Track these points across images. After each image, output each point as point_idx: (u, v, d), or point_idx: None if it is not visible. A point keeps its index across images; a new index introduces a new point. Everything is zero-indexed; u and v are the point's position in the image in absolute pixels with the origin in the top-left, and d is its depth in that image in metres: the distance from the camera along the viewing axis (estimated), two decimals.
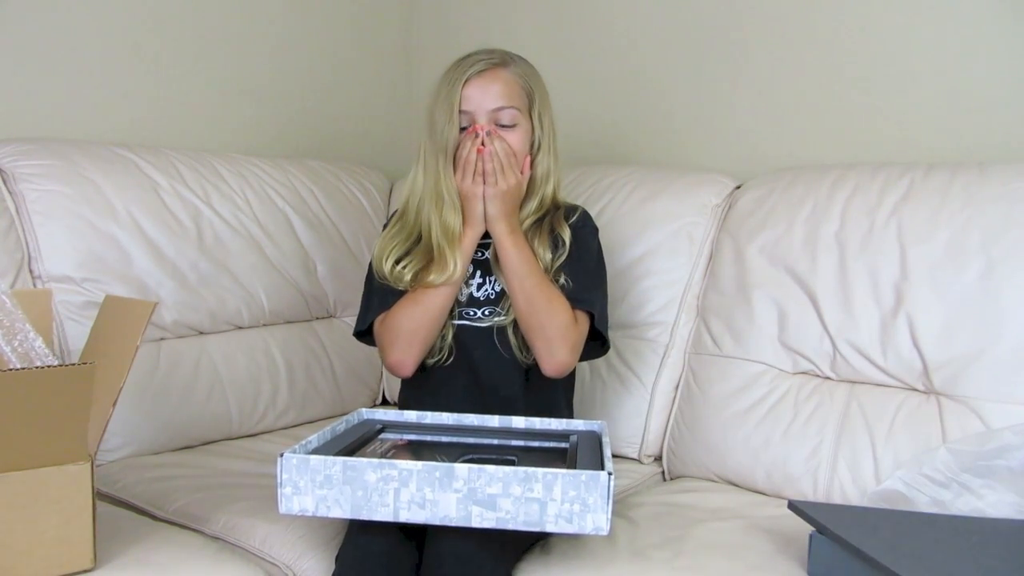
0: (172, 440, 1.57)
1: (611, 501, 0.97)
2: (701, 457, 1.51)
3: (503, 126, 1.35)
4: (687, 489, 1.46)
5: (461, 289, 1.38)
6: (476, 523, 0.98)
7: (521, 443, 1.23)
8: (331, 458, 1.01)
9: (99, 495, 1.08)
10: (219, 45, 1.94)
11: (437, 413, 1.31)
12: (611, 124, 2.02)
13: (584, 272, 1.39)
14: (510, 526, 0.98)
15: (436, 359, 1.38)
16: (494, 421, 1.30)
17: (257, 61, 2.01)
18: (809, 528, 1.09)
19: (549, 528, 0.98)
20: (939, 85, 1.60)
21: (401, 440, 1.22)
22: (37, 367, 1.03)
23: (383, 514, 1.00)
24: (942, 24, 1.59)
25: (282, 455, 1.02)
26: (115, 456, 1.49)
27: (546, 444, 1.23)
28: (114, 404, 1.04)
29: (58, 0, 1.68)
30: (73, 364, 0.97)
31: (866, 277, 1.41)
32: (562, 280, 1.35)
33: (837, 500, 1.34)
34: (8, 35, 1.63)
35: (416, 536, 1.13)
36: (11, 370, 0.94)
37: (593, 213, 1.68)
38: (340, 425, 1.26)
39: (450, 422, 1.30)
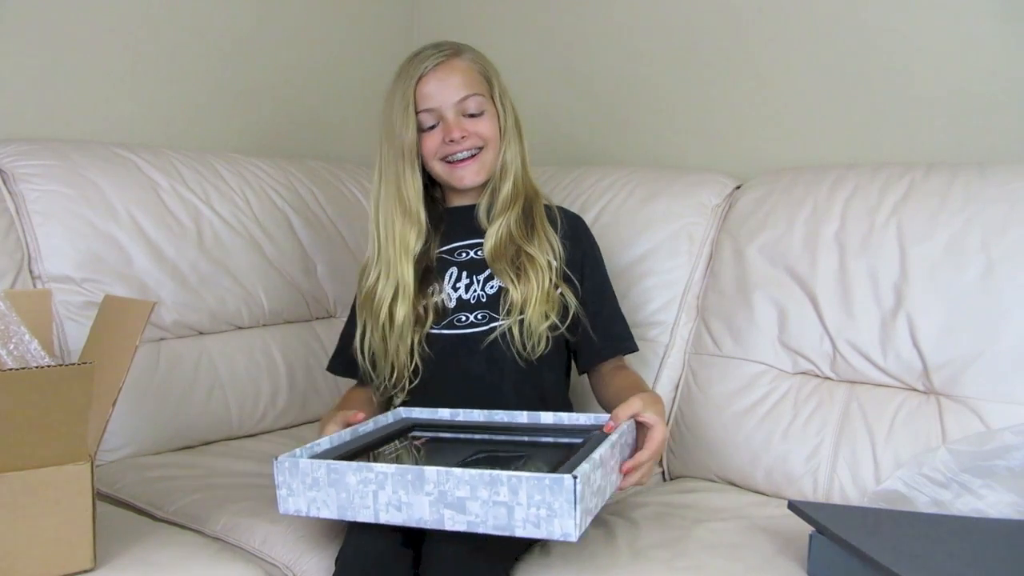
0: (172, 440, 1.57)
1: (580, 506, 0.93)
2: (701, 457, 1.51)
3: (472, 115, 1.35)
4: (687, 489, 1.46)
5: (448, 294, 1.37)
6: (449, 526, 0.98)
7: (550, 439, 1.22)
8: (317, 461, 1.04)
9: (99, 495, 1.08)
10: (219, 45, 1.94)
11: (468, 411, 1.31)
12: (611, 124, 2.02)
13: (613, 306, 1.43)
14: (480, 530, 0.97)
15: (400, 385, 1.35)
16: (523, 417, 1.28)
17: (257, 61, 2.01)
18: (809, 528, 1.09)
19: (519, 533, 0.95)
20: (939, 85, 1.60)
21: (422, 439, 1.22)
22: (37, 367, 1.03)
23: (365, 515, 1.01)
24: (942, 24, 1.59)
25: (276, 459, 1.06)
26: (115, 456, 1.49)
27: (562, 440, 1.21)
28: (114, 404, 1.04)
29: (58, 0, 1.68)
30: (72, 364, 0.97)
31: (866, 277, 1.41)
32: (574, 308, 1.35)
33: (837, 500, 1.34)
34: (8, 35, 1.63)
35: (416, 537, 1.13)
36: (11, 370, 0.94)
37: (593, 213, 1.70)
38: (368, 425, 1.26)
39: (480, 419, 1.30)
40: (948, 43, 1.59)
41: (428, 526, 0.99)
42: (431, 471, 0.97)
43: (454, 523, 0.97)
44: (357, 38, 2.22)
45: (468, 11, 2.23)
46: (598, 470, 1.00)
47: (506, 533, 0.96)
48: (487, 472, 0.95)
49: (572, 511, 0.92)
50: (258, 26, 2.01)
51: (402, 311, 1.34)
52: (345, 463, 1.02)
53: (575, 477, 0.93)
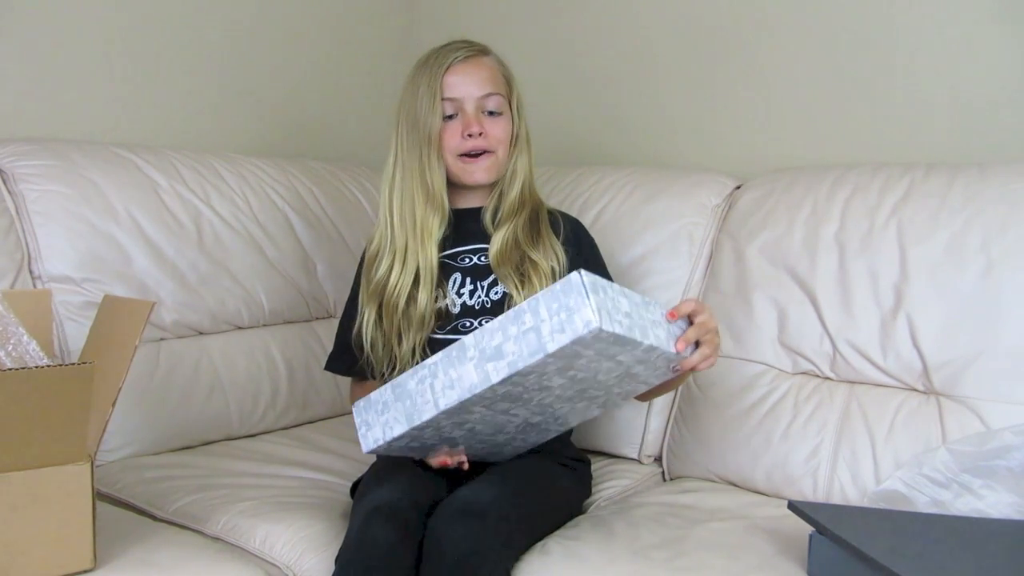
0: (172, 440, 1.57)
1: (594, 297, 0.96)
2: (701, 457, 1.51)
3: (490, 113, 1.35)
4: (687, 489, 1.46)
5: (452, 300, 1.36)
6: (494, 378, 1.01)
7: None
8: (383, 387, 1.12)
9: (99, 495, 1.08)
10: (219, 45, 1.94)
11: None
12: (611, 124, 2.02)
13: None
14: (520, 365, 0.99)
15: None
16: None
17: (257, 61, 2.01)
18: (809, 528, 1.09)
19: (550, 347, 0.97)
20: (939, 85, 1.60)
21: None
22: (37, 367, 1.03)
23: (428, 411, 1.06)
24: (942, 24, 1.59)
25: (354, 404, 1.14)
26: (115, 456, 1.49)
27: None
28: (113, 404, 1.04)
29: (58, 1, 1.68)
30: (72, 364, 0.97)
31: (866, 277, 1.41)
32: None
33: (837, 500, 1.34)
34: (8, 35, 1.63)
35: (417, 535, 1.14)
36: (11, 370, 0.94)
37: (593, 213, 1.70)
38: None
39: None
40: (948, 43, 1.59)
41: (478, 389, 1.02)
42: (468, 338, 1.04)
43: (497, 372, 1.01)
44: (357, 38, 2.22)
45: (468, 12, 2.23)
46: (622, 297, 1.02)
47: (540, 355, 0.98)
48: (510, 310, 1.01)
49: (587, 301, 0.95)
50: (258, 26, 2.01)
51: (424, 297, 1.33)
52: (405, 374, 1.10)
53: (580, 271, 0.98)
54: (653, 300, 1.10)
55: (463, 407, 1.05)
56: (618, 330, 0.98)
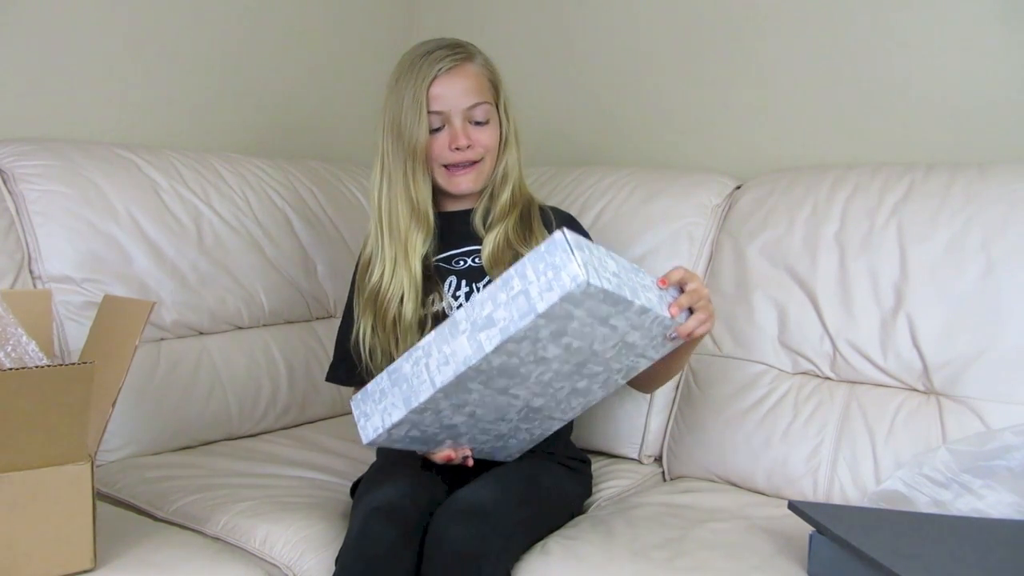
0: (172, 440, 1.57)
1: (579, 253, 0.96)
2: (701, 457, 1.51)
3: (477, 123, 1.34)
4: (687, 489, 1.46)
5: (449, 303, 1.36)
6: (488, 347, 1.00)
7: None
8: (379, 376, 1.10)
9: (99, 495, 1.08)
10: (218, 45, 1.94)
11: None
12: (611, 124, 2.02)
13: None
14: (512, 329, 0.99)
15: None
16: None
17: (257, 61, 2.01)
18: (809, 528, 1.09)
19: (540, 307, 0.97)
20: (939, 85, 1.60)
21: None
22: (37, 367, 1.03)
23: (425, 391, 1.05)
24: (942, 25, 1.59)
25: (351, 399, 1.13)
26: (115, 456, 1.49)
27: None
28: (113, 404, 1.04)
29: (58, 1, 1.68)
30: (72, 364, 0.97)
31: (866, 277, 1.42)
32: None
33: (837, 500, 1.34)
34: (8, 35, 1.63)
35: (418, 535, 1.14)
36: (11, 370, 0.94)
37: (593, 213, 1.70)
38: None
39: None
40: (948, 43, 1.59)
41: (472, 361, 1.01)
42: (459, 312, 1.03)
43: (490, 340, 1.00)
44: (356, 38, 2.22)
45: (468, 11, 2.23)
46: (609, 259, 1.02)
47: (531, 315, 0.98)
48: (498, 278, 1.01)
49: (572, 258, 0.96)
50: (258, 26, 2.01)
51: (410, 309, 1.33)
52: (398, 359, 1.09)
53: (562, 229, 0.98)
54: (643, 268, 1.11)
55: (460, 383, 1.05)
56: (607, 286, 0.98)
